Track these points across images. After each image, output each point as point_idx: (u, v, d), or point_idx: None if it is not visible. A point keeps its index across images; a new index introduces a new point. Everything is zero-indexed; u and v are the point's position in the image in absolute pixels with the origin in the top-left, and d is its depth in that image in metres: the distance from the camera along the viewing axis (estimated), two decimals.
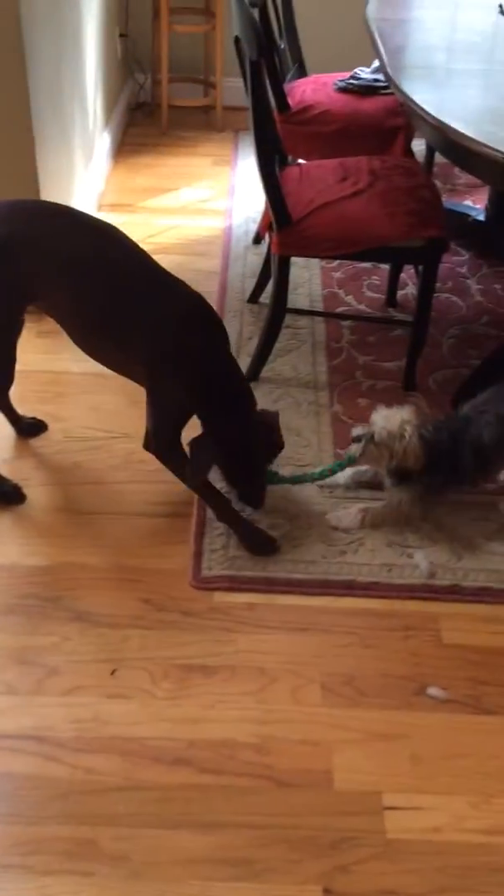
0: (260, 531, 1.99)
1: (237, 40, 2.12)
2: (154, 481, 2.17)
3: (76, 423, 2.35)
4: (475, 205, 3.28)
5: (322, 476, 2.08)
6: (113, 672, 1.74)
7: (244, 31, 2.04)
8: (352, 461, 2.04)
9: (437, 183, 3.47)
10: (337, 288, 2.92)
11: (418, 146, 3.03)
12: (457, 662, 1.78)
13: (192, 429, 1.96)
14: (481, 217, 3.09)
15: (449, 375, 2.53)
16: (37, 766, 1.58)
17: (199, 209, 3.43)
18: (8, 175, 2.52)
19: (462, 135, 1.90)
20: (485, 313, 2.82)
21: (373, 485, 2.12)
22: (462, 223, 3.07)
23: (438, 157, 3.15)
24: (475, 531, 2.05)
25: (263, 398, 2.31)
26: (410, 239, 2.25)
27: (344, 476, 2.12)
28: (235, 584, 1.92)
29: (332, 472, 2.08)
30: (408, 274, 2.87)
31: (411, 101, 2.06)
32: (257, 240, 3.12)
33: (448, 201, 3.28)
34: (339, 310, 2.80)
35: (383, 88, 2.76)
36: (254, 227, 3.19)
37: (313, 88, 2.89)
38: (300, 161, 2.77)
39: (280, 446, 2.07)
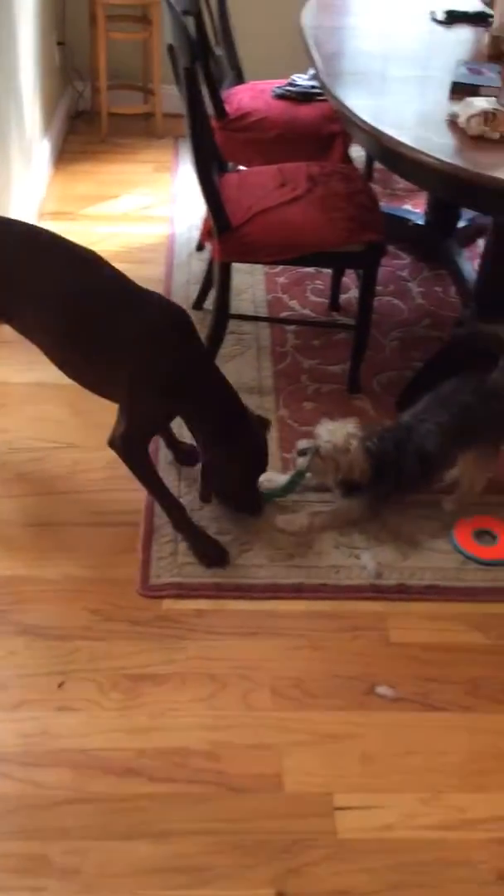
0: (214, 543, 1.99)
1: (171, 48, 2.13)
2: (100, 490, 2.15)
3: (19, 435, 2.32)
4: (415, 209, 3.33)
5: (282, 495, 2.09)
6: (61, 685, 1.72)
7: (177, 38, 2.04)
8: (302, 475, 2.06)
9: (378, 188, 3.53)
10: (281, 293, 2.93)
11: (359, 152, 3.07)
12: (404, 661, 1.80)
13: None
14: (421, 221, 3.13)
15: (393, 377, 2.57)
16: None
17: (141, 216, 3.42)
18: None
19: (396, 141, 1.93)
20: (426, 315, 2.86)
21: (320, 488, 2.13)
22: (402, 227, 3.11)
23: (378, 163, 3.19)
24: (420, 530, 2.08)
25: None
26: (349, 244, 2.27)
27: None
28: (184, 591, 1.91)
29: (289, 490, 2.09)
30: (350, 278, 2.90)
31: (346, 107, 2.09)
32: (200, 246, 3.12)
33: (388, 206, 3.33)
34: (283, 314, 2.82)
35: (320, 95, 2.79)
36: (196, 234, 3.19)
37: (251, 95, 2.90)
38: (240, 168, 2.79)
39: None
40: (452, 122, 2.01)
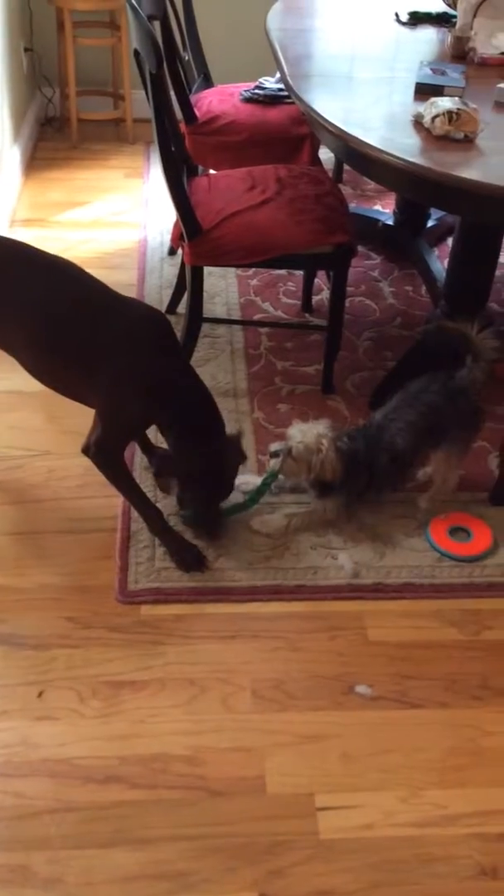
0: (191, 547, 1.99)
1: (137, 53, 2.13)
2: (76, 497, 2.15)
3: None
4: (384, 209, 3.35)
5: (255, 500, 2.09)
6: (40, 694, 1.72)
7: (142, 44, 2.04)
8: (274, 477, 2.07)
9: (348, 189, 3.56)
10: (253, 295, 2.94)
11: (329, 153, 3.08)
12: (382, 659, 1.81)
13: None
14: (390, 221, 3.15)
15: (366, 377, 2.58)
16: None
17: (113, 222, 3.42)
18: None
19: (362, 142, 1.94)
20: (398, 315, 2.87)
21: (295, 489, 2.14)
22: (372, 228, 3.13)
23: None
24: (396, 529, 2.09)
25: None
26: (318, 245, 2.28)
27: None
28: (162, 596, 1.92)
29: (262, 493, 2.09)
30: (322, 279, 2.91)
31: (312, 110, 2.09)
32: (172, 251, 3.12)
33: (357, 207, 3.35)
34: (256, 317, 2.83)
35: (288, 98, 2.80)
36: (168, 239, 3.19)
37: (219, 99, 2.91)
38: (210, 171, 2.79)
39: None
40: (417, 122, 2.02)
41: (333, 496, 2.02)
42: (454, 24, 2.54)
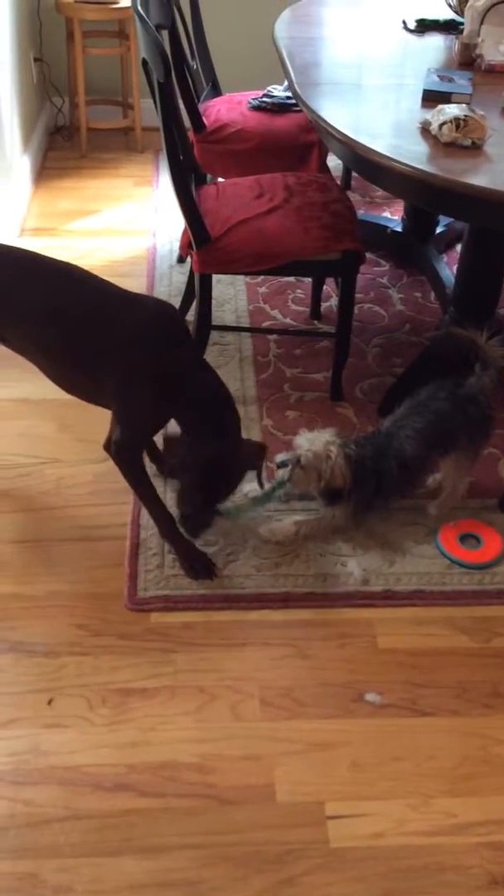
0: (201, 555, 1.99)
1: (145, 63, 2.14)
2: (86, 505, 2.16)
3: (5, 450, 2.32)
4: (393, 216, 3.35)
5: (260, 504, 2.10)
6: (50, 701, 1.72)
7: (150, 53, 2.05)
8: (283, 486, 2.07)
9: (356, 195, 3.56)
10: (262, 303, 2.95)
11: (337, 161, 3.08)
12: (392, 667, 1.80)
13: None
14: (399, 228, 3.15)
15: (375, 384, 2.58)
16: None
17: (122, 230, 3.43)
18: None
19: (369, 150, 1.94)
20: (406, 321, 2.87)
21: (304, 497, 2.13)
22: (380, 235, 3.13)
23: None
24: (406, 536, 2.09)
25: None
26: (326, 252, 2.29)
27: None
28: (171, 604, 1.92)
29: (268, 499, 2.10)
30: (331, 286, 2.92)
31: (320, 118, 2.10)
32: (181, 259, 3.13)
33: (366, 214, 3.36)
34: (265, 324, 2.83)
35: (296, 106, 2.81)
36: (177, 246, 3.20)
37: (228, 107, 2.92)
38: (218, 179, 2.80)
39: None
40: (425, 129, 2.02)
41: (342, 504, 2.02)
42: (461, 31, 2.55)
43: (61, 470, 2.26)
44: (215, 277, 2.41)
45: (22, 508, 2.16)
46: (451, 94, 2.15)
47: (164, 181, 3.72)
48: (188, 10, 2.95)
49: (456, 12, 2.74)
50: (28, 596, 1.93)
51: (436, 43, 2.68)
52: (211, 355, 2.60)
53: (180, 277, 3.01)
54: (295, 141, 2.79)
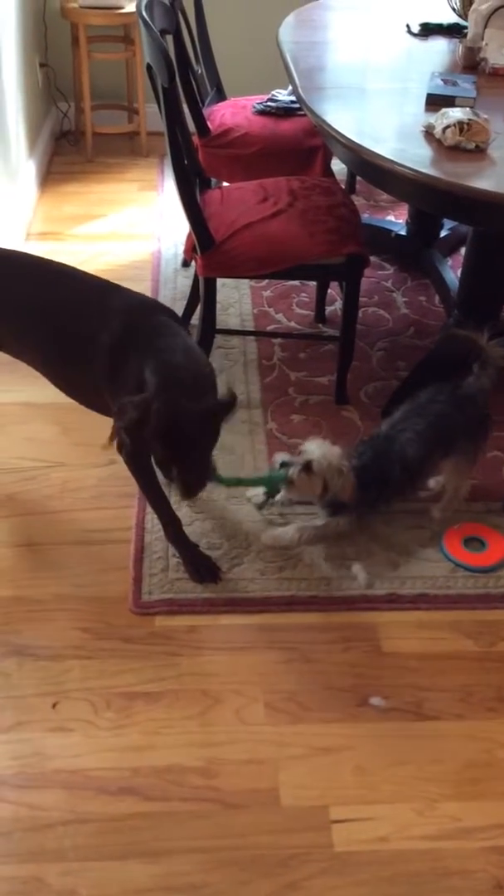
0: (205, 558, 1.99)
1: (149, 68, 2.15)
2: (91, 508, 2.16)
3: (9, 454, 2.32)
4: (397, 220, 3.35)
5: (255, 483, 2.10)
6: (54, 705, 1.72)
7: (155, 58, 2.06)
8: (283, 480, 2.00)
9: (360, 199, 3.57)
10: (267, 306, 2.95)
11: (341, 164, 3.08)
12: (397, 670, 1.80)
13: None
14: (403, 232, 3.15)
15: (379, 387, 2.58)
16: None
17: (127, 234, 3.44)
18: None
19: (373, 153, 1.95)
20: (411, 325, 2.87)
21: (304, 501, 2.13)
22: (385, 238, 3.13)
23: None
24: (410, 539, 2.08)
25: None
26: (330, 256, 2.29)
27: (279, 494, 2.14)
28: (176, 607, 1.92)
29: (267, 484, 2.08)
30: (336, 290, 2.92)
31: (323, 122, 2.10)
32: (186, 263, 3.14)
33: (370, 217, 3.36)
34: (270, 328, 2.84)
35: (300, 110, 2.81)
36: (182, 250, 3.21)
37: (232, 112, 2.93)
38: (223, 183, 2.81)
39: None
40: (428, 133, 2.03)
41: (346, 512, 2.01)
42: (465, 35, 2.55)
43: (65, 473, 2.26)
44: (220, 281, 2.42)
45: (26, 512, 2.16)
46: (454, 97, 2.15)
47: (169, 185, 3.73)
48: (193, 15, 2.95)
49: (460, 16, 2.75)
50: (32, 599, 1.93)
51: (440, 47, 2.69)
52: (215, 359, 2.60)
53: (185, 281, 3.02)
54: (299, 145, 2.79)
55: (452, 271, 2.94)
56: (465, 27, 2.60)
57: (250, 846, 1.51)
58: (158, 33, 2.07)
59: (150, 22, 2.07)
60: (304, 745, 1.67)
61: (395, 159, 1.90)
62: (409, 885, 1.46)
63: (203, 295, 2.40)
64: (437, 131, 1.99)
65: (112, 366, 1.78)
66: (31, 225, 3.45)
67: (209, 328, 2.44)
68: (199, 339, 2.45)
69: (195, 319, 2.71)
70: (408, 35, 2.76)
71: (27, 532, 2.11)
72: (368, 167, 2.00)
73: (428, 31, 2.76)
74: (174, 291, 3.02)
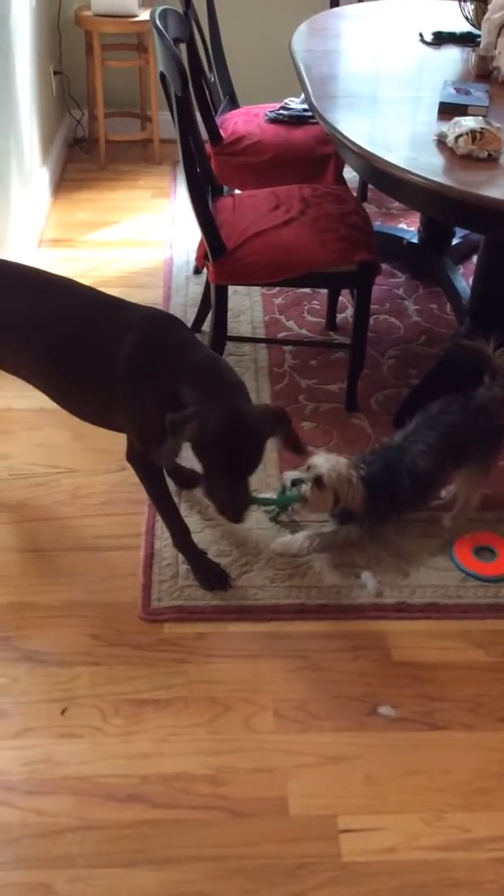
0: (215, 566, 1.99)
1: (162, 76, 2.16)
2: (101, 515, 2.16)
3: (21, 460, 2.33)
4: (409, 227, 3.35)
5: (270, 503, 2.10)
6: (63, 711, 1.72)
7: (168, 66, 2.07)
8: (295, 500, 2.01)
9: (372, 207, 3.57)
10: (278, 314, 2.95)
11: (353, 172, 3.09)
12: (406, 680, 1.80)
13: None
14: (415, 239, 3.15)
15: (390, 395, 2.57)
16: None
17: (139, 241, 3.45)
18: None
19: (385, 162, 1.95)
20: (422, 333, 2.87)
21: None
22: (397, 246, 3.13)
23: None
24: (420, 548, 2.08)
25: None
26: (342, 264, 2.29)
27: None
28: (185, 615, 1.92)
29: (281, 504, 2.09)
30: (347, 297, 2.92)
31: (336, 130, 2.11)
32: (197, 270, 3.15)
33: (382, 225, 3.36)
34: (281, 335, 2.84)
35: (312, 118, 2.82)
36: (194, 258, 3.22)
37: (245, 120, 2.94)
38: (235, 191, 2.81)
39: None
40: (441, 141, 2.03)
41: (355, 520, 2.01)
42: (478, 44, 2.55)
43: (76, 480, 2.27)
44: (231, 288, 2.42)
45: (37, 518, 2.17)
46: (467, 106, 2.15)
47: (182, 193, 3.74)
48: (207, 24, 2.97)
49: (473, 25, 2.75)
50: (42, 605, 1.94)
51: (452, 55, 2.69)
52: None
53: (196, 288, 3.02)
54: (311, 153, 2.80)
55: (464, 279, 2.94)
56: (478, 36, 2.61)
57: (258, 855, 1.51)
58: (172, 42, 2.08)
59: (163, 31, 2.08)
60: (312, 753, 1.66)
61: (407, 168, 1.90)
62: None
63: (214, 302, 2.40)
64: (450, 140, 1.99)
65: (134, 379, 1.75)
66: (43, 231, 3.47)
67: (220, 335, 2.45)
68: (210, 346, 2.46)
69: (206, 326, 2.72)
70: (420, 44, 2.77)
71: (37, 538, 2.11)
72: (380, 175, 2.00)
73: (441, 39, 2.76)
74: (186, 298, 3.03)
